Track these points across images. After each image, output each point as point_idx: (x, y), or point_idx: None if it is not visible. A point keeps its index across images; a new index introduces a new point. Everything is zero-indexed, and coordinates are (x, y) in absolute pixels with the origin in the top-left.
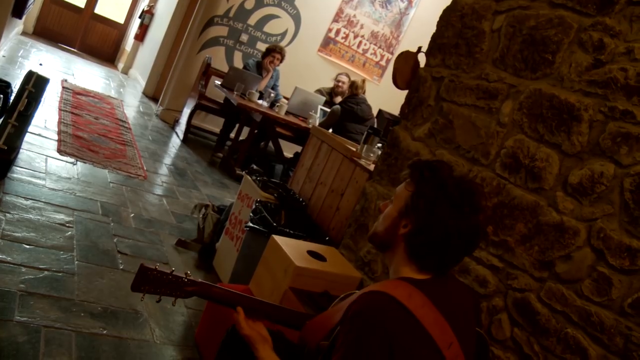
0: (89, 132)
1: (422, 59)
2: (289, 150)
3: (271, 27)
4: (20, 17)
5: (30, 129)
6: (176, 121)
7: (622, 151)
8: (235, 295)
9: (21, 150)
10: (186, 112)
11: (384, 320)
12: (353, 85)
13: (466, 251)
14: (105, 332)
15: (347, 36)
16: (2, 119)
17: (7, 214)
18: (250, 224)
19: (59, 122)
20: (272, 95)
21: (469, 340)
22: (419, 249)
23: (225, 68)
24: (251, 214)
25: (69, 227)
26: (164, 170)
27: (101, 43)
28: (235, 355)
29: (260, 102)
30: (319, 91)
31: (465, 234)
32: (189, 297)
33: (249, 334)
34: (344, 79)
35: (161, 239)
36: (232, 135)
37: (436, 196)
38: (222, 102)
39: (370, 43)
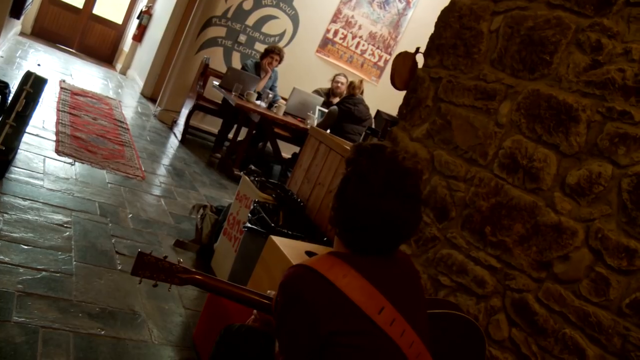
0: (87, 132)
1: (420, 60)
2: (287, 150)
3: (269, 28)
4: (18, 18)
5: (28, 129)
6: (174, 122)
7: (619, 152)
8: (226, 285)
9: (19, 151)
10: (184, 112)
11: (302, 290)
12: (350, 85)
13: (391, 235)
14: (103, 332)
15: (345, 37)
16: (0, 120)
17: (4, 215)
18: (249, 225)
19: (57, 123)
20: (270, 95)
21: (413, 305)
22: (336, 227)
23: (223, 69)
24: (249, 215)
25: (66, 227)
26: (162, 170)
27: (99, 44)
28: (230, 355)
29: (258, 102)
30: (317, 92)
31: (377, 215)
32: (183, 284)
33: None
34: (342, 79)
35: (159, 239)
36: (230, 135)
37: (350, 175)
38: (220, 102)
39: (369, 44)
